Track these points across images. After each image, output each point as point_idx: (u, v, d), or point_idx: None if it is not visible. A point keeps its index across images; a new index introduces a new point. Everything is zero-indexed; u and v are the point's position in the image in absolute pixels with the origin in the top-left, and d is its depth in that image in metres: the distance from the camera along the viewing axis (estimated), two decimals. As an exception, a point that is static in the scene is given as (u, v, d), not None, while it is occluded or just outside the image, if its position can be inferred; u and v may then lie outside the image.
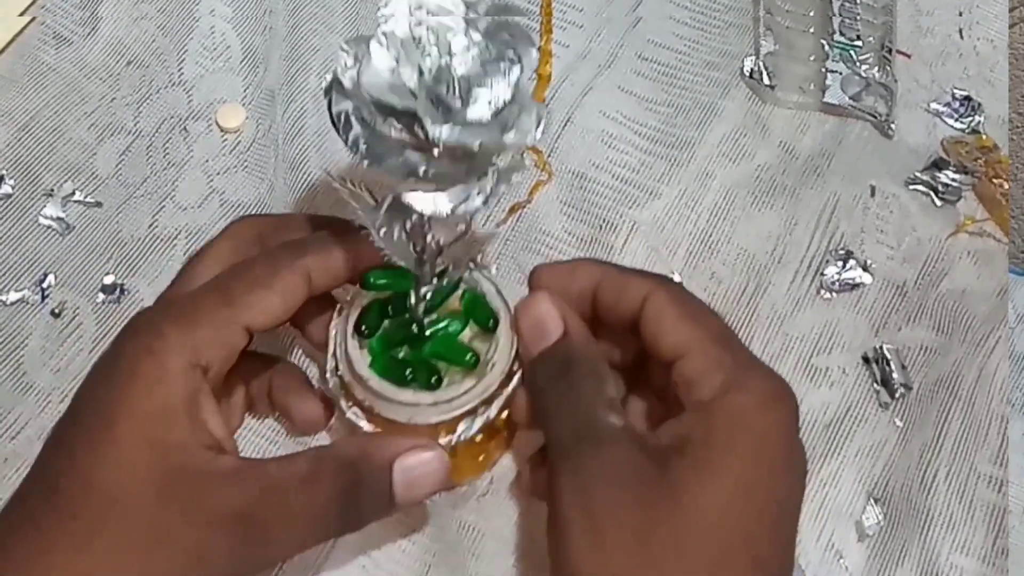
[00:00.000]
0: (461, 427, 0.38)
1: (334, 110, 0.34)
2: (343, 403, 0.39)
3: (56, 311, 0.46)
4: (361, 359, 0.38)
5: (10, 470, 0.43)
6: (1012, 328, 0.50)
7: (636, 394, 0.40)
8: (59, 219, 0.49)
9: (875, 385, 0.47)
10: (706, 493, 0.32)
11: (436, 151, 0.33)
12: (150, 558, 0.31)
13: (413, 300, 0.38)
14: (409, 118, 0.33)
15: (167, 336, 0.34)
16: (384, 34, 0.34)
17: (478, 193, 0.35)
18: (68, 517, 0.31)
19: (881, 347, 0.47)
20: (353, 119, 0.34)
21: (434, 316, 0.40)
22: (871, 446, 0.46)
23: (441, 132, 0.32)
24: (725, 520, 0.32)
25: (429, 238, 0.37)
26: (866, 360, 0.47)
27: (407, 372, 0.38)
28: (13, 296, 0.47)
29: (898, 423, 0.46)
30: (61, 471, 0.32)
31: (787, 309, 0.48)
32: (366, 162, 0.34)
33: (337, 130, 0.34)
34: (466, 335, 0.40)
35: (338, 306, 0.40)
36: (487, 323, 0.39)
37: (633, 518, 0.32)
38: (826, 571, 0.43)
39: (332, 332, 0.39)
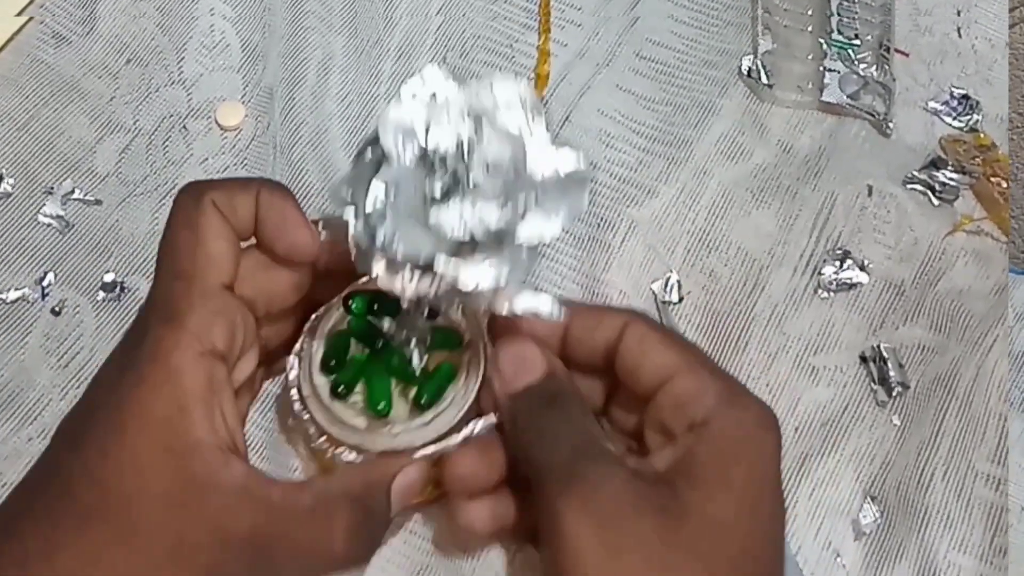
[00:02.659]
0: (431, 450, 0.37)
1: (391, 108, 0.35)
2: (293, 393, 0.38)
3: (56, 309, 0.47)
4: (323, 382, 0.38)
5: (8, 468, 0.43)
6: (1011, 327, 0.50)
7: None
8: (59, 217, 0.49)
9: (872, 384, 0.47)
10: (717, 508, 0.33)
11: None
12: (167, 573, 0.31)
13: (392, 336, 0.38)
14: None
15: (162, 338, 0.33)
16: (422, 76, 0.35)
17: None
18: (84, 521, 0.31)
19: (878, 346, 0.47)
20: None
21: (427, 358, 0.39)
22: (868, 445, 0.46)
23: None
24: (735, 533, 0.33)
25: (437, 286, 0.35)
26: (863, 359, 0.47)
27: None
28: (13, 294, 0.47)
29: (895, 421, 0.46)
30: (74, 474, 0.32)
31: (785, 308, 0.48)
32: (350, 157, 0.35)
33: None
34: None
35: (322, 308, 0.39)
36: (454, 344, 0.39)
37: (649, 536, 0.32)
38: (823, 570, 0.43)
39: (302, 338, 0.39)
